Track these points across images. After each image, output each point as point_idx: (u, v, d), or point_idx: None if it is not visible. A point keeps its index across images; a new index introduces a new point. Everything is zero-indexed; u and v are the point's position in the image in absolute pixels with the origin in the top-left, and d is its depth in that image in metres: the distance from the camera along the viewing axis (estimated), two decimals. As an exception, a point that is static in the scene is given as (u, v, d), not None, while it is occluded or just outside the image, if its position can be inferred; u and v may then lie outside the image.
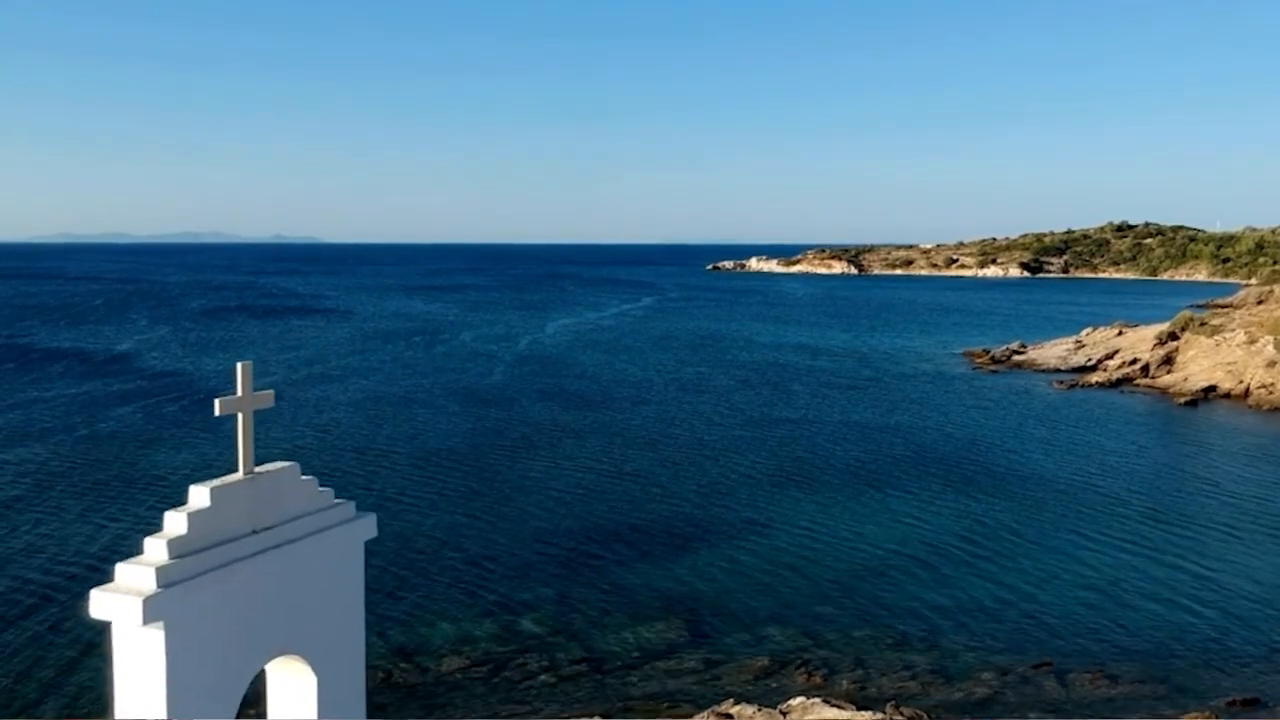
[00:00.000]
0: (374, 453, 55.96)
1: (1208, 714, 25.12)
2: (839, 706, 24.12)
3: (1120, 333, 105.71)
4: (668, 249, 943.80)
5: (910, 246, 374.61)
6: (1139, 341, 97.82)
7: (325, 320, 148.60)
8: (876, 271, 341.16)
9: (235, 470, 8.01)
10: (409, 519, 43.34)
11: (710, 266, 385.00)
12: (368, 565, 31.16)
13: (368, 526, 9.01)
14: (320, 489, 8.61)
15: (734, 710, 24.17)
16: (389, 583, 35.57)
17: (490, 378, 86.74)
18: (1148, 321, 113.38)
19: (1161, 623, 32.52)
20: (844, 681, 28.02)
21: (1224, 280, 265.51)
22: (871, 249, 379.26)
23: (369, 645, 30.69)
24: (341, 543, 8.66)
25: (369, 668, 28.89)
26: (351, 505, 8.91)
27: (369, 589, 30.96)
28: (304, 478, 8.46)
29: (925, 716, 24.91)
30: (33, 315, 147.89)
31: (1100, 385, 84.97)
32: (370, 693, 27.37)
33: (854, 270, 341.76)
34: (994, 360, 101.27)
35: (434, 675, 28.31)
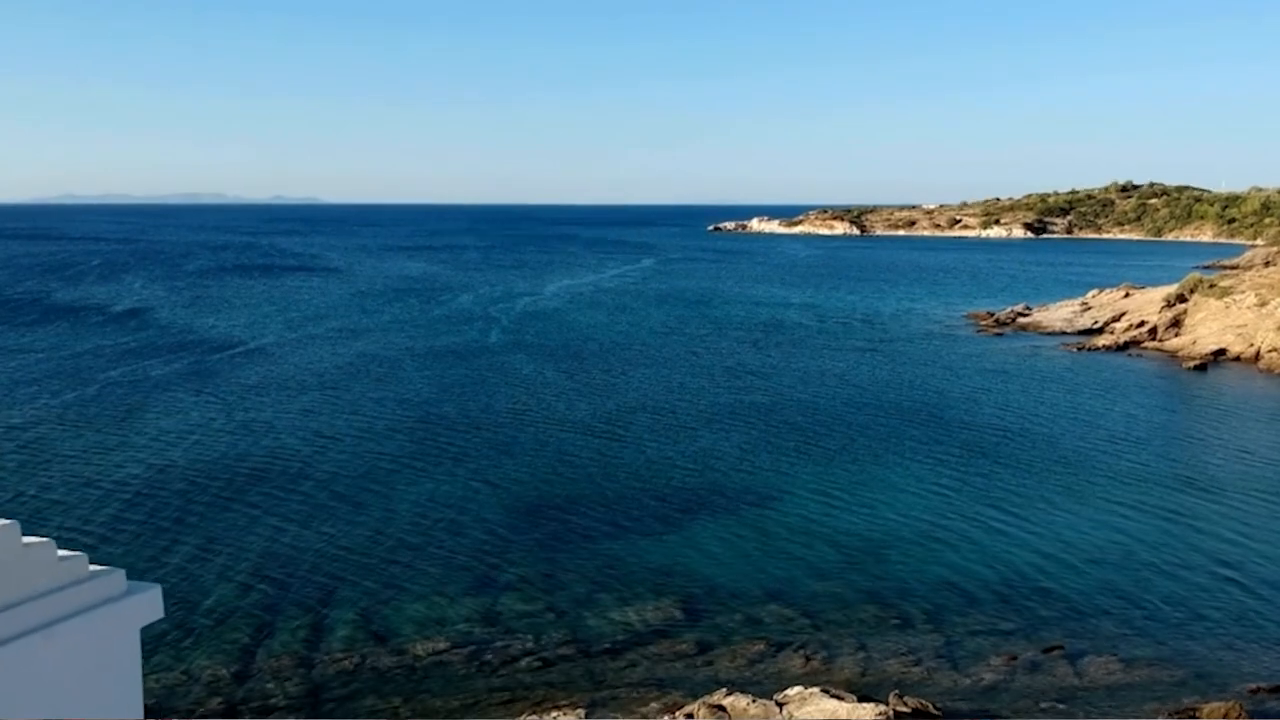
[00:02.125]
0: (358, 416, 54.35)
1: (1232, 702, 23.61)
2: (838, 696, 22.64)
3: (1127, 294, 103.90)
4: (668, 210, 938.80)
5: (913, 207, 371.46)
6: (1146, 304, 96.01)
7: (323, 280, 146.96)
8: (879, 232, 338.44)
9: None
10: (388, 489, 41.79)
11: (711, 228, 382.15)
12: (343, 538, 29.68)
13: (147, 606, 6.03)
14: (64, 555, 5.76)
15: (727, 701, 22.67)
16: (363, 558, 34.05)
17: (486, 340, 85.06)
18: (1154, 283, 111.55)
19: (1178, 601, 31.00)
20: (845, 666, 26.54)
21: (1229, 241, 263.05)
22: (874, 209, 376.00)
23: (342, 625, 29.36)
24: (99, 634, 5.72)
25: (341, 651, 27.57)
26: (120, 576, 5.96)
27: (342, 566, 29.38)
28: (31, 541, 5.60)
29: (930, 706, 23.43)
30: (29, 275, 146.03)
31: (1107, 348, 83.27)
32: (344, 678, 25.99)
33: (856, 231, 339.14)
34: (999, 323, 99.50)
35: (411, 658, 26.82)
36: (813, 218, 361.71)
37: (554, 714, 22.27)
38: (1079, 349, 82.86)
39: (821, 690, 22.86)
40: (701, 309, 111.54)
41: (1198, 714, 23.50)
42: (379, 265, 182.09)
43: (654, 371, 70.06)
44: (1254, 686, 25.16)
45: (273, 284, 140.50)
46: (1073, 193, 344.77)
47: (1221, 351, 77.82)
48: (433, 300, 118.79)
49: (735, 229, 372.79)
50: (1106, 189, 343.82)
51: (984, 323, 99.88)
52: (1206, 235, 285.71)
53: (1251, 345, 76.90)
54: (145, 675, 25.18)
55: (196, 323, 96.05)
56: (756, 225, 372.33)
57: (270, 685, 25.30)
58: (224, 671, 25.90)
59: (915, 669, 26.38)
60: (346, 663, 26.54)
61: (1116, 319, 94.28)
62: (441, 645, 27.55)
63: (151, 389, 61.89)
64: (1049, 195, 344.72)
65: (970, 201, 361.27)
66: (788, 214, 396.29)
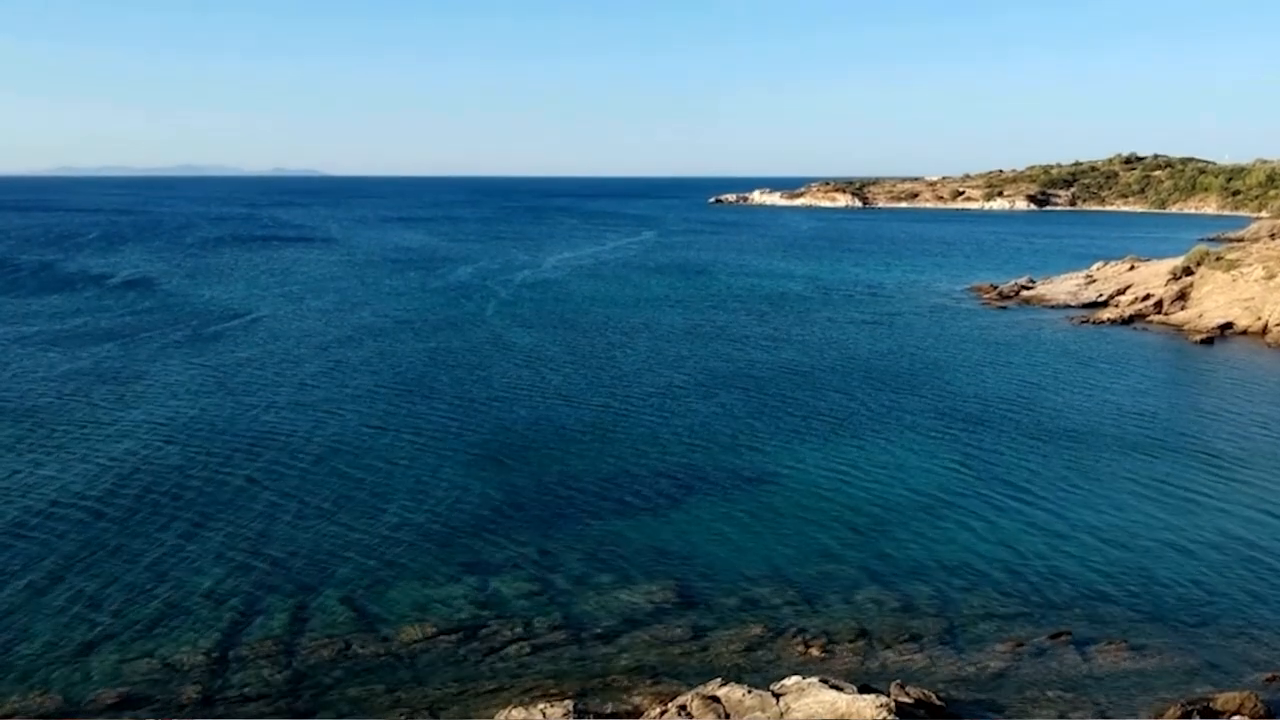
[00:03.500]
0: (352, 389, 53.34)
1: (1247, 693, 22.71)
2: (838, 687, 21.72)
3: (1132, 267, 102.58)
4: (668, 182, 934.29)
5: (916, 179, 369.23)
6: (1152, 276, 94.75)
7: (322, 252, 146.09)
8: (881, 204, 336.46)
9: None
10: (381, 466, 40.84)
11: (712, 200, 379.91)
12: (333, 516, 28.56)
13: None
14: None
15: (722, 692, 21.78)
16: (352, 537, 33.14)
17: (482, 313, 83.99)
18: (1159, 255, 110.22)
19: (1189, 583, 30.07)
20: (844, 652, 25.65)
21: (1234, 213, 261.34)
22: (876, 182, 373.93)
23: (328, 609, 28.48)
24: None
25: (325, 637, 26.67)
26: None
27: (331, 545, 28.37)
28: None
29: (933, 697, 22.55)
30: (25, 248, 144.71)
31: (1112, 322, 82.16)
32: (327, 666, 25.09)
33: (858, 203, 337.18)
34: (1002, 296, 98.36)
35: (397, 645, 25.92)
36: (815, 190, 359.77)
37: (541, 706, 21.38)
38: (1083, 322, 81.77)
39: (820, 680, 21.94)
40: (702, 282, 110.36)
41: (1211, 704, 22.62)
42: (378, 237, 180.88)
43: (654, 345, 69.03)
44: (1270, 675, 24.28)
45: (271, 255, 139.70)
46: (1076, 165, 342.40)
47: (1228, 325, 76.71)
48: (430, 273, 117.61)
49: (736, 201, 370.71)
50: (1110, 161, 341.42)
51: (987, 296, 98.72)
52: (1211, 207, 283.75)
53: (1259, 319, 75.79)
54: (121, 663, 24.35)
55: (193, 294, 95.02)
56: (758, 197, 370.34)
57: (251, 673, 24.41)
58: (203, 658, 25.00)
59: (917, 655, 25.50)
60: (330, 649, 25.64)
61: (1121, 292, 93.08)
62: (429, 630, 26.66)
63: (145, 361, 60.88)
64: (1052, 167, 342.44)
65: (973, 174, 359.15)
66: (789, 186, 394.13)
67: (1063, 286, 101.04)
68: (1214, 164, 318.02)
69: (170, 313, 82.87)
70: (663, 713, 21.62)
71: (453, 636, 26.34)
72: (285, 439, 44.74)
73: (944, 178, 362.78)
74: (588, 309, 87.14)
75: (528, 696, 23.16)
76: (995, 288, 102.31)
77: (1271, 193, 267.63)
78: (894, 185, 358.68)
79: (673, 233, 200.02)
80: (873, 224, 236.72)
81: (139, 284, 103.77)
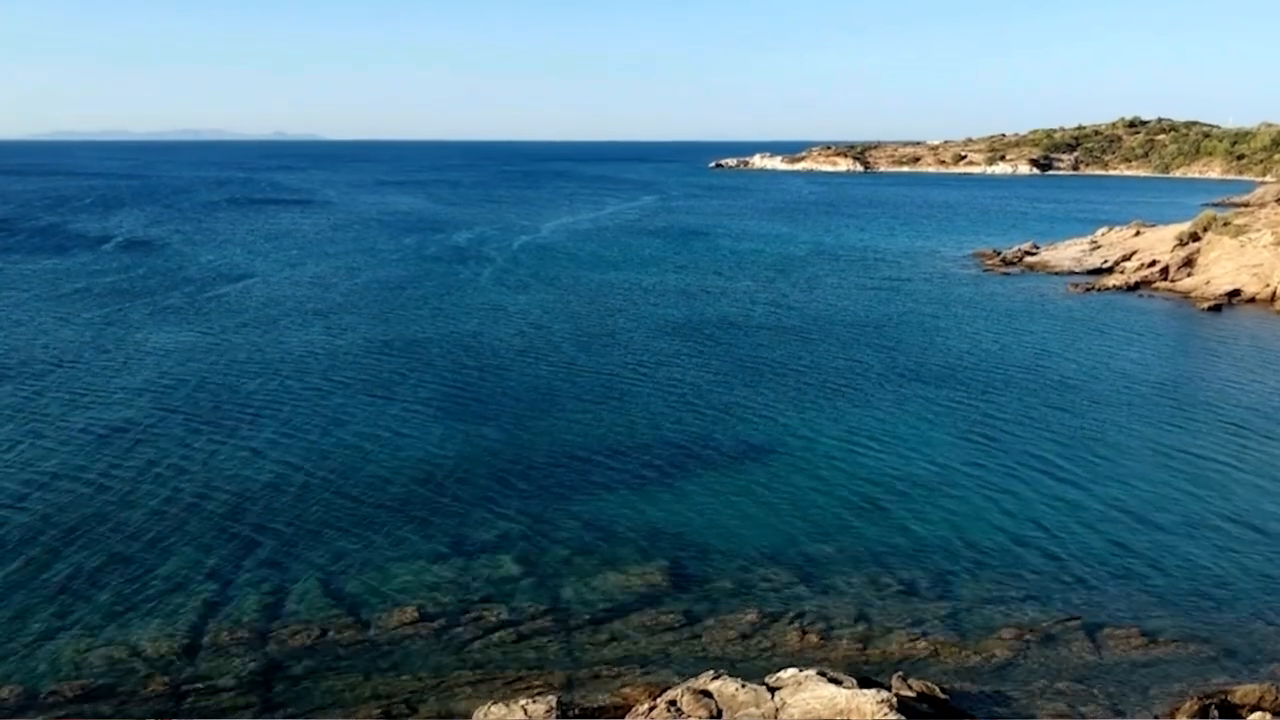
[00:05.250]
0: (341, 357, 52.04)
1: (1267, 685, 21.56)
2: (836, 680, 20.57)
3: (1138, 233, 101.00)
4: (669, 146, 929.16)
5: (917, 143, 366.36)
6: (1157, 242, 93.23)
7: (320, 216, 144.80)
8: (883, 169, 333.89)
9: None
10: (356, 438, 39.58)
11: (713, 164, 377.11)
12: (314, 493, 27.13)
13: None
14: None
15: (714, 686, 20.62)
16: (333, 515, 31.92)
17: (477, 279, 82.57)
18: (1163, 220, 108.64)
19: (1203, 564, 28.89)
20: (843, 640, 24.48)
21: (1238, 178, 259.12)
22: (878, 146, 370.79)
23: (305, 593, 27.32)
24: None
25: (301, 623, 25.53)
26: None
27: (311, 524, 27.08)
28: None
29: (937, 690, 21.42)
30: (23, 214, 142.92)
31: (1117, 289, 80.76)
32: (301, 654, 23.89)
33: (860, 167, 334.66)
34: (1005, 262, 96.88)
35: (376, 631, 24.75)
36: (816, 154, 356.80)
37: (523, 702, 20.22)
38: (1088, 289, 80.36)
39: (818, 673, 20.79)
40: (701, 248, 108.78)
41: (1230, 697, 21.50)
42: (376, 201, 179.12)
43: (649, 312, 67.67)
44: (1289, 665, 23.13)
45: (269, 220, 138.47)
46: (1079, 128, 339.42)
47: (1236, 292, 75.31)
48: (426, 237, 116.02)
49: (737, 165, 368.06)
50: (1113, 125, 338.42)
51: (990, 262, 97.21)
52: (1215, 171, 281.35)
53: (1268, 286, 74.37)
54: (83, 651, 23.19)
55: (190, 258, 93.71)
56: (759, 162, 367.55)
57: (221, 663, 23.26)
58: (171, 646, 23.84)
59: (920, 642, 24.33)
60: (306, 636, 24.48)
61: (1127, 258, 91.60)
62: (410, 615, 25.49)
63: (138, 324, 59.55)
64: (1055, 131, 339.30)
65: (975, 137, 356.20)
66: (790, 150, 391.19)
67: (1067, 252, 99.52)
68: (1218, 127, 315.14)
69: (167, 277, 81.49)
70: (652, 708, 20.45)
71: (434, 622, 25.18)
72: (267, 408, 43.48)
73: (946, 142, 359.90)
74: (584, 274, 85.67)
75: (510, 688, 22.05)
76: (998, 253, 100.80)
77: (1277, 156, 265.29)
78: (895, 149, 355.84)
79: (673, 198, 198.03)
80: (874, 188, 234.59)
81: (137, 248, 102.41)
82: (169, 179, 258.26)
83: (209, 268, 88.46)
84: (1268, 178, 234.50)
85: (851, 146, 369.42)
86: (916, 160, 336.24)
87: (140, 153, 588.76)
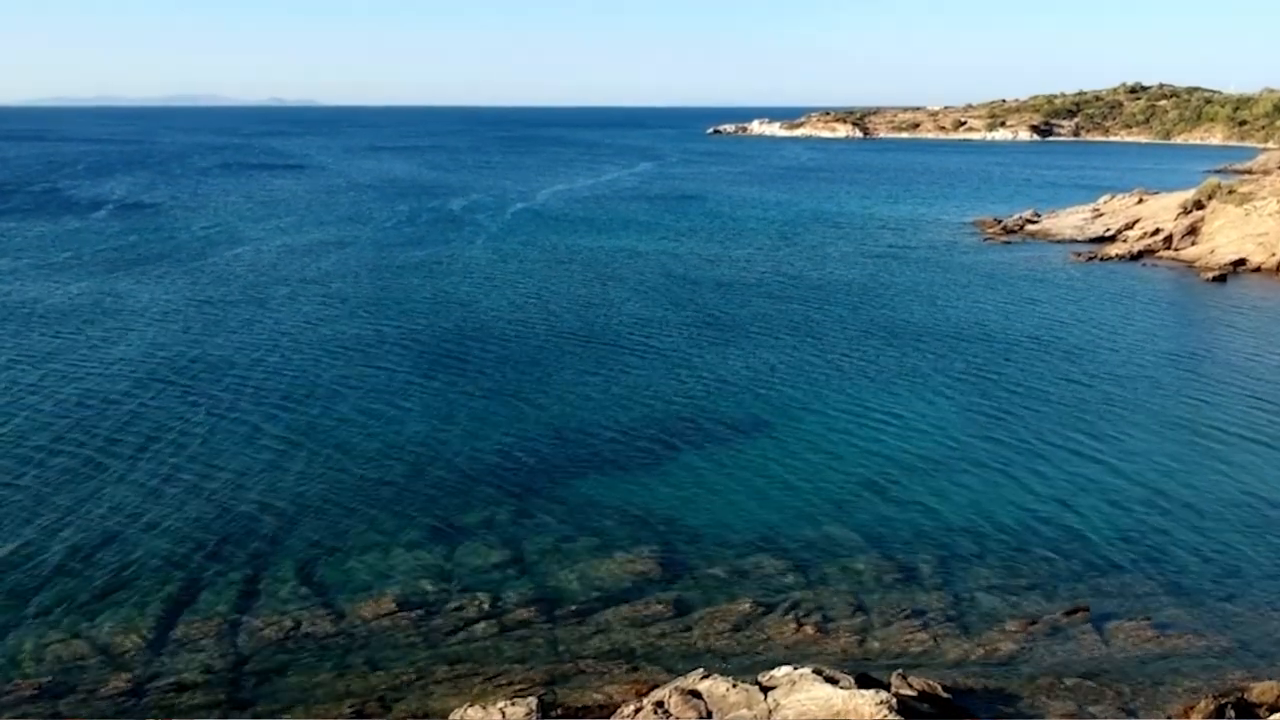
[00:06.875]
0: (324, 330, 50.73)
1: (1285, 684, 20.48)
2: (833, 680, 19.45)
3: (1140, 200, 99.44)
4: (666, 112, 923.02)
5: (917, 109, 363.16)
6: (1161, 210, 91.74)
7: (314, 182, 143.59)
8: (882, 135, 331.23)
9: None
10: (335, 418, 38.31)
11: (710, 130, 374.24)
12: (290, 474, 25.82)
13: None
14: None
15: (704, 686, 19.50)
16: (310, 498, 30.74)
17: (469, 248, 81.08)
18: (1165, 187, 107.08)
19: (1216, 550, 27.76)
20: (840, 633, 23.39)
21: (1240, 144, 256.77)
22: (877, 111, 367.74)
23: (278, 581, 26.13)
24: None
25: (273, 614, 24.42)
26: None
27: (286, 507, 25.81)
28: None
29: (938, 688, 20.30)
30: (19, 179, 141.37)
31: (1120, 258, 79.40)
32: (273, 648, 22.72)
33: (859, 134, 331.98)
34: (1006, 230, 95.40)
35: (351, 623, 23.63)
36: (814, 120, 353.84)
37: (501, 704, 19.10)
38: (1090, 258, 79.02)
39: (813, 671, 19.68)
40: (699, 216, 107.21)
41: (1246, 696, 20.40)
42: (372, 166, 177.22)
43: (645, 281, 66.34)
44: (1308, 660, 22.05)
45: (264, 185, 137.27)
46: (1080, 94, 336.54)
47: (1241, 262, 74.01)
48: (420, 203, 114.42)
49: (735, 132, 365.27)
50: (1114, 90, 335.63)
51: (991, 230, 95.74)
52: (1217, 138, 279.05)
53: (1273, 255, 73.05)
54: (43, 645, 22.05)
55: (184, 224, 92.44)
56: (757, 128, 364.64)
57: (188, 658, 22.14)
58: (136, 640, 22.73)
59: (920, 635, 23.25)
60: (278, 628, 23.37)
61: (1129, 226, 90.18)
62: (387, 606, 24.38)
63: (126, 295, 58.18)
64: (1055, 97, 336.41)
65: (975, 103, 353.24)
66: (789, 116, 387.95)
67: (1069, 220, 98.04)
68: (1220, 93, 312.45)
69: (159, 244, 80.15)
70: (638, 709, 19.36)
71: (412, 614, 24.06)
72: (246, 382, 42.26)
73: (946, 108, 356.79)
74: (579, 241, 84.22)
75: (490, 686, 20.96)
76: (999, 221, 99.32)
77: (1279, 123, 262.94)
78: (895, 115, 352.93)
79: (670, 164, 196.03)
80: (874, 155, 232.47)
81: (130, 213, 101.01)
82: (164, 144, 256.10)
83: (202, 234, 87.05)
84: (1269, 144, 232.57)
85: (850, 112, 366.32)
86: (916, 126, 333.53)
87: (136, 119, 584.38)
